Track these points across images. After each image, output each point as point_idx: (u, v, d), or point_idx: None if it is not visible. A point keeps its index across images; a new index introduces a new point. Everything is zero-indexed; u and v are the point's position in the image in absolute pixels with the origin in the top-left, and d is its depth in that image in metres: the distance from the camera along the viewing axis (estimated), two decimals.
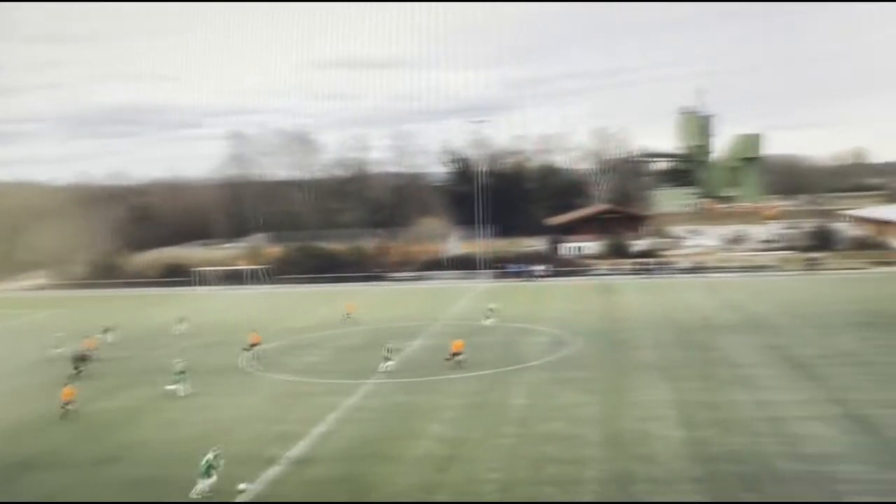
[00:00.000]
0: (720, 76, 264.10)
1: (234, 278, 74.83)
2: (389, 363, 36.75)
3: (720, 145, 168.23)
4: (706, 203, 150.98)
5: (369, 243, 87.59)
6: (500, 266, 72.13)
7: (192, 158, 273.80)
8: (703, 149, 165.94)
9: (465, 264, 76.34)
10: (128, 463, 25.86)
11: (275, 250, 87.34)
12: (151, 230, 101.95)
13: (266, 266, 77.17)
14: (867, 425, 26.18)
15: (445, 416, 29.52)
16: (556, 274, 71.27)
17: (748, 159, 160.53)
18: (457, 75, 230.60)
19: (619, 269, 74.54)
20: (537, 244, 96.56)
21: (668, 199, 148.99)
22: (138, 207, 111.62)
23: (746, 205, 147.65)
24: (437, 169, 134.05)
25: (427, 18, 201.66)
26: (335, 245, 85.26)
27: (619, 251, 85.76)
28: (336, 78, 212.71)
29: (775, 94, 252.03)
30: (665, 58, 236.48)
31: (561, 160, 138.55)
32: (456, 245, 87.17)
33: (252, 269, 75.67)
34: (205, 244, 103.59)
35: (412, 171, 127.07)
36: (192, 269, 76.80)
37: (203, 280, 74.94)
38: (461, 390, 32.95)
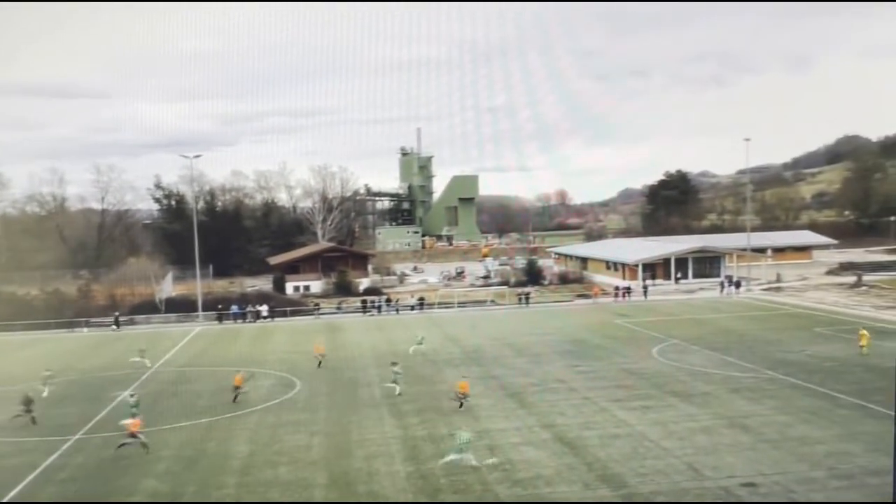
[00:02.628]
0: (436, 120, 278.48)
1: None
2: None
3: (439, 186, 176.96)
4: (427, 241, 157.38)
5: (70, 286, 79.75)
6: (221, 307, 68.96)
7: None
8: (424, 189, 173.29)
9: (181, 307, 72.05)
10: None
11: None
12: None
13: None
14: (573, 448, 27.97)
15: (159, 469, 27.19)
16: (281, 314, 69.56)
17: (465, 199, 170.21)
18: (161, 107, 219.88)
19: (345, 308, 74.53)
20: (260, 284, 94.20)
21: (392, 237, 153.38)
22: None
23: (464, 243, 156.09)
24: (146, 206, 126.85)
25: (123, 48, 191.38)
26: (28, 289, 76.59)
27: (344, 289, 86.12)
28: (21, 106, 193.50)
29: (486, 138, 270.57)
30: (380, 100, 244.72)
31: (282, 198, 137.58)
32: (170, 286, 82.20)
33: None
34: None
35: (118, 207, 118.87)
36: None
37: None
38: (177, 441, 30.61)
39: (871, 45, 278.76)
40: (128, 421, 29.41)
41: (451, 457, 25.55)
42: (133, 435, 28.80)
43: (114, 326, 65.49)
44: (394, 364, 38.39)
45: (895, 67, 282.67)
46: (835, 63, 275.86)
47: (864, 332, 44.15)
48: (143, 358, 47.27)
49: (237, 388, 37.23)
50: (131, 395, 34.49)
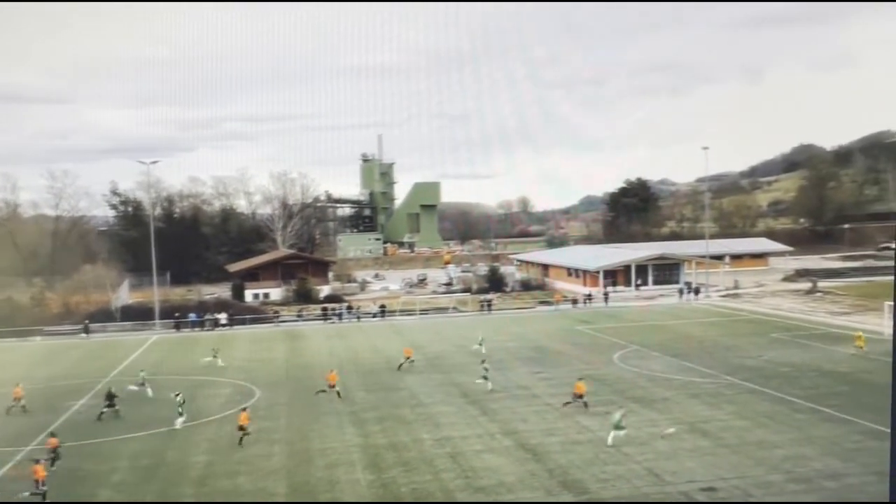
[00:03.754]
0: (397, 127, 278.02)
1: None
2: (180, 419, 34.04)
3: (401, 192, 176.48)
4: (389, 248, 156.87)
5: (23, 294, 77.92)
6: (179, 315, 67.92)
7: None
8: (385, 195, 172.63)
9: (139, 315, 70.78)
10: None
11: None
12: None
13: None
14: (535, 454, 27.99)
15: (114, 480, 26.75)
16: (240, 322, 68.70)
17: (427, 206, 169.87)
18: (116, 113, 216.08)
19: (305, 316, 73.89)
20: (219, 291, 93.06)
21: (353, 244, 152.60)
22: None
23: (426, 250, 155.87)
24: (102, 212, 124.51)
25: (76, 53, 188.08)
26: None
27: (305, 297, 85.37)
28: None
29: (448, 146, 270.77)
30: (341, 107, 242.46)
31: (242, 204, 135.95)
32: (126, 294, 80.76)
33: None
34: None
35: (73, 214, 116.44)
36: None
37: None
38: (133, 451, 30.06)
39: (819, 58, 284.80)
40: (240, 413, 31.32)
41: (613, 433, 28.78)
42: (242, 427, 30.53)
43: (83, 334, 64.10)
44: (483, 362, 41.00)
45: (843, 80, 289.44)
46: (785, 75, 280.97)
47: (860, 334, 45.32)
48: (217, 357, 48.47)
49: (331, 385, 37.99)
50: (176, 395, 34.77)
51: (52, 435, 29.29)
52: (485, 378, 39.10)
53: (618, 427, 28.81)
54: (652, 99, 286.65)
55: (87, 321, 66.00)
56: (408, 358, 45.91)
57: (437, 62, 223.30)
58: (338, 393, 37.83)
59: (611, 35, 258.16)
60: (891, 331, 48.77)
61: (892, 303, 51.04)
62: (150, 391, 39.89)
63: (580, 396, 34.20)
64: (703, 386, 38.46)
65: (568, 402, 34.48)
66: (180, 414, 33.45)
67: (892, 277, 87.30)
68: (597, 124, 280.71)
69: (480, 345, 50.01)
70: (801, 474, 25.09)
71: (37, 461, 25.99)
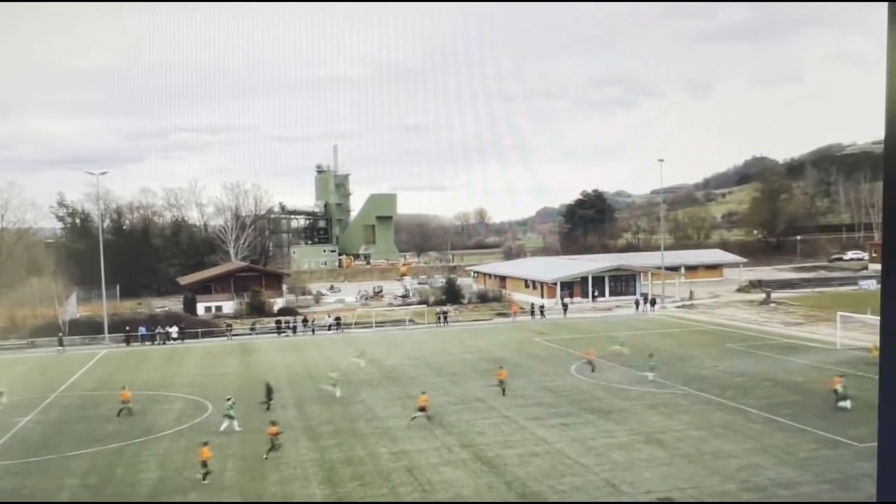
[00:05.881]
0: (353, 137, 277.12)
1: None
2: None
3: (356, 204, 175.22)
4: (345, 260, 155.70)
5: None
6: (129, 329, 66.39)
7: None
8: (341, 207, 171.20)
9: (87, 329, 69.02)
10: None
11: None
12: None
13: None
14: (493, 467, 27.74)
15: (62, 497, 25.94)
16: (192, 336, 67.37)
17: (383, 218, 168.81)
18: (63, 123, 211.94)
19: (259, 329, 72.77)
20: (170, 304, 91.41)
21: (307, 256, 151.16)
22: None
23: (382, 262, 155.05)
24: (50, 224, 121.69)
25: (20, 60, 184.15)
26: None
27: (258, 310, 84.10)
28: None
29: (406, 157, 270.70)
30: (295, 118, 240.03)
31: (193, 216, 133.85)
32: (74, 307, 78.78)
33: None
34: None
35: (19, 226, 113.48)
36: None
37: None
38: (82, 468, 29.17)
39: (765, 74, 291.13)
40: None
41: (841, 403, 33.22)
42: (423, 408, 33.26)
43: (59, 347, 62.30)
44: (651, 356, 43.85)
45: (791, 95, 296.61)
46: (734, 90, 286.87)
47: (875, 344, 46.26)
48: (361, 358, 49.82)
49: (501, 381, 39.57)
50: (227, 399, 35.51)
51: (273, 423, 31.13)
52: (652, 369, 42.10)
53: (844, 398, 33.08)
54: (605, 112, 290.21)
55: (60, 334, 64.20)
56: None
57: (393, 74, 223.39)
58: (503, 390, 39.19)
59: (564, 50, 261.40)
60: (844, 340, 49.89)
61: (844, 313, 52.15)
62: (338, 392, 40.56)
63: (837, 391, 34.34)
64: (659, 396, 38.60)
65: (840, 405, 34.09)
66: (231, 418, 34.04)
67: (843, 288, 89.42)
68: (551, 137, 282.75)
69: (622, 345, 50.59)
70: (756, 483, 25.21)
71: (205, 443, 27.84)
